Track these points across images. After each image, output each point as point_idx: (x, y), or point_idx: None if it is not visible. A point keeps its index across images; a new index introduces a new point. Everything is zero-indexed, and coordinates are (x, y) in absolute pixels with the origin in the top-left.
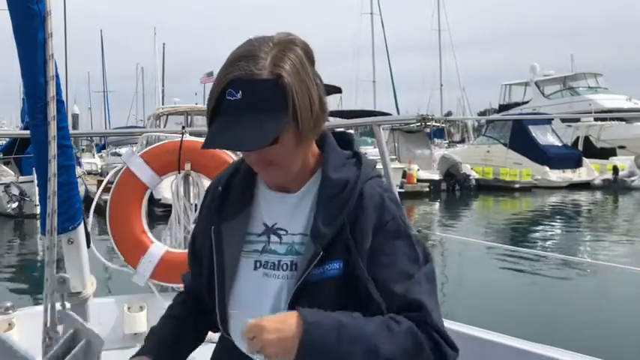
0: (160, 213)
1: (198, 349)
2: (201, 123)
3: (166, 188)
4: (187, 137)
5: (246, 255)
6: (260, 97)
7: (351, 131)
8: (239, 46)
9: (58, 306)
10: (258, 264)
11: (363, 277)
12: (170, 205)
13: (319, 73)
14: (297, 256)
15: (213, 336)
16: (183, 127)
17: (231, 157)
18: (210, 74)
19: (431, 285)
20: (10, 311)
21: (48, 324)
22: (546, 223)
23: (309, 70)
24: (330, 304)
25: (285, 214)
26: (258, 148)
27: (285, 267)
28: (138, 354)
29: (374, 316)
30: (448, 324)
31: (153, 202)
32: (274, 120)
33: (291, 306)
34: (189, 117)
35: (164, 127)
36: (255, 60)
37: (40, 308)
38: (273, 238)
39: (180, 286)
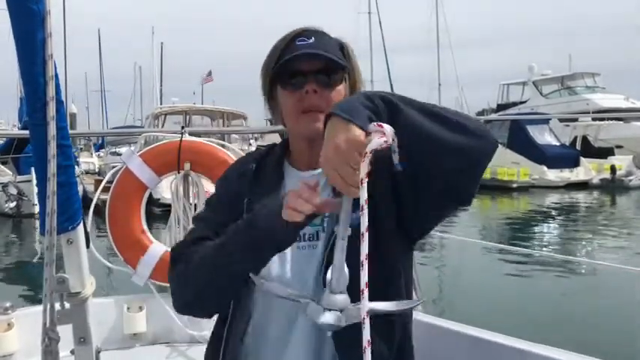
0: (158, 213)
1: (196, 349)
2: (199, 123)
3: (165, 188)
4: (187, 137)
5: None
6: (330, 45)
7: None
8: None
9: (57, 306)
10: (299, 238)
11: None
12: (169, 205)
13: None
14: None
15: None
16: (183, 127)
17: (230, 157)
18: (210, 74)
19: None
20: (10, 311)
21: (47, 324)
22: (544, 222)
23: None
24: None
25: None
26: (338, 61)
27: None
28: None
29: None
30: (448, 324)
31: (151, 201)
32: (340, 60)
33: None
34: (187, 116)
35: (162, 126)
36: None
37: (40, 308)
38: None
39: None
